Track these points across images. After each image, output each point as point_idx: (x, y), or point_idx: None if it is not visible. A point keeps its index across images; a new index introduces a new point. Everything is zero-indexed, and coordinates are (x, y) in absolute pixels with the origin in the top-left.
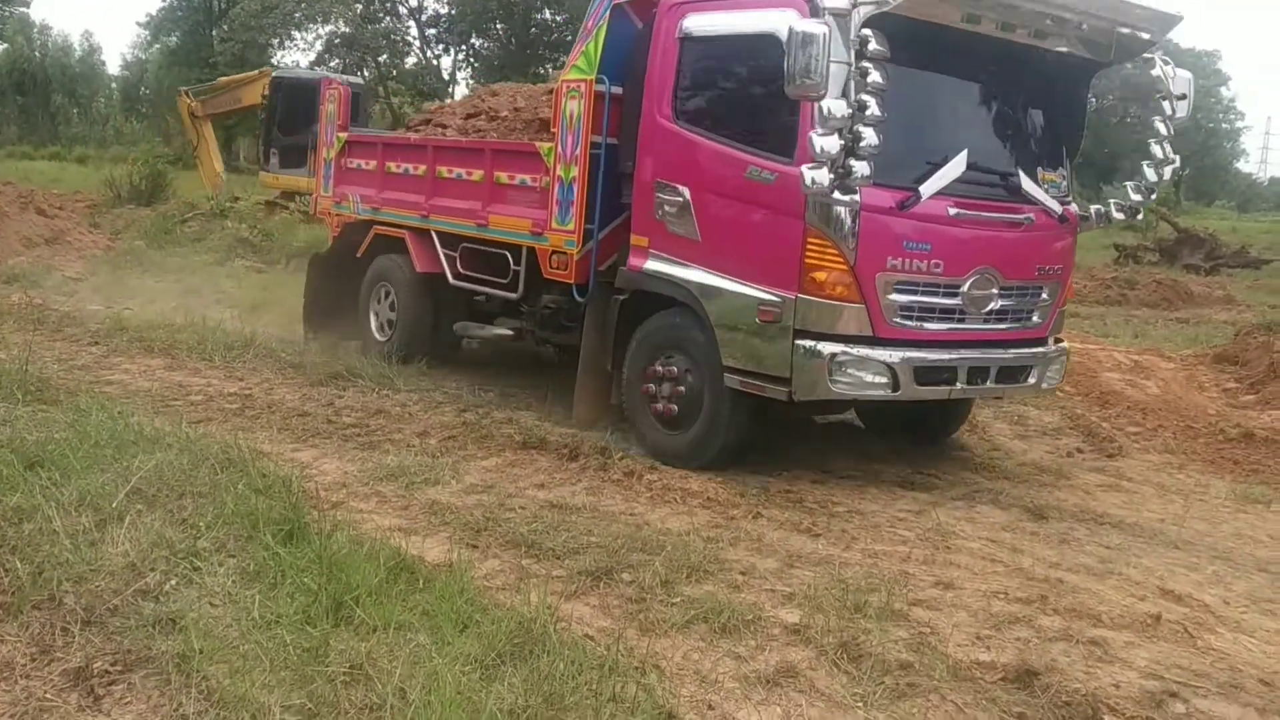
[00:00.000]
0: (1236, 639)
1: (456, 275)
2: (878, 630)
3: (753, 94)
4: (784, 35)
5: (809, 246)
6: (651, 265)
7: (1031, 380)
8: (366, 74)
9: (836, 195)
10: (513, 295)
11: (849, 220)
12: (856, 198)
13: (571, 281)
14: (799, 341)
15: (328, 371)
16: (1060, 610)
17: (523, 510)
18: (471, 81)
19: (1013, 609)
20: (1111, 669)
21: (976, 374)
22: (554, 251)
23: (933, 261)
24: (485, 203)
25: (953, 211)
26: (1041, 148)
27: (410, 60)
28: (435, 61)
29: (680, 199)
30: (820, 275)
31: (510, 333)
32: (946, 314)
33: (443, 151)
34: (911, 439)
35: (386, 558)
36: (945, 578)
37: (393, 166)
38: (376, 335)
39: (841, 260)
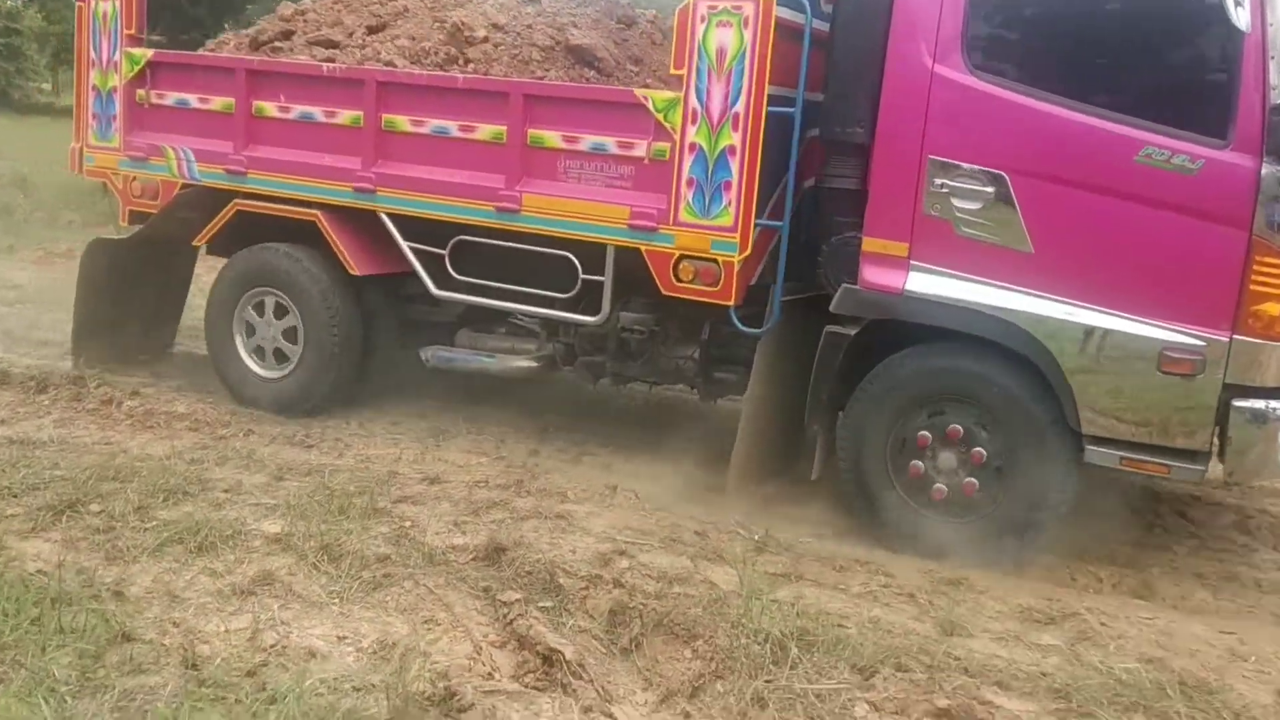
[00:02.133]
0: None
1: (446, 285)
2: (359, 530)
3: (1144, 41)
4: None
5: (1258, 267)
6: (921, 285)
7: None
8: None
9: None
10: (590, 319)
11: None
12: None
13: (730, 303)
14: (1239, 402)
15: None
16: (534, 492)
17: None
18: None
19: (492, 495)
20: (573, 538)
21: None
22: (685, 256)
23: None
24: (512, 176)
25: None
26: None
27: None
28: None
29: (987, 190)
30: (1273, 307)
31: (533, 364)
32: None
33: (401, 90)
34: None
35: None
36: (433, 473)
37: (270, 108)
38: (256, 368)
39: None
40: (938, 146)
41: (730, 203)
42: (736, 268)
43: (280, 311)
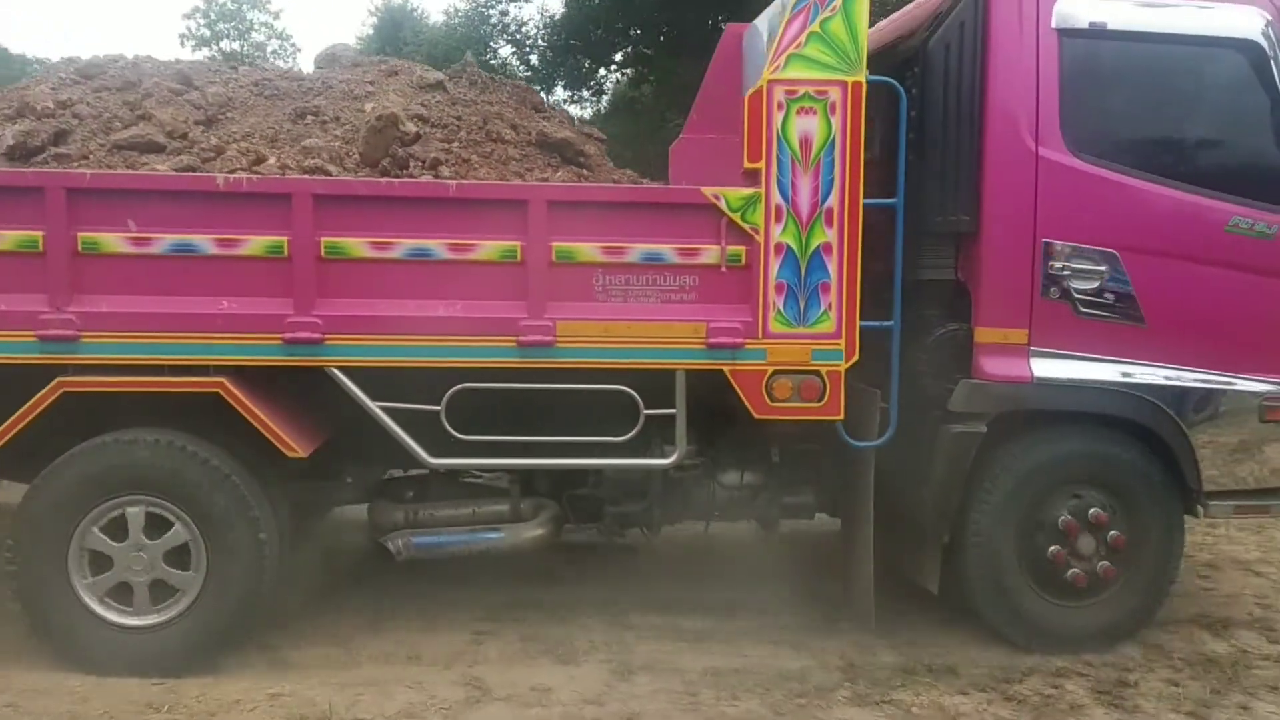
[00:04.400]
0: None
1: (445, 450)
2: None
3: (1220, 120)
4: (1265, 42)
5: None
6: (1048, 370)
7: None
8: None
9: None
10: (661, 461)
11: None
12: None
13: (838, 418)
14: None
15: None
16: None
17: None
18: None
19: None
20: None
21: None
22: (780, 371)
23: None
24: (537, 301)
25: None
26: None
27: None
28: None
29: (1101, 268)
30: None
31: (543, 530)
32: None
33: (351, 205)
34: None
35: None
36: None
37: (112, 241)
38: (114, 616)
39: None
40: (1051, 229)
41: (831, 306)
42: (843, 377)
43: (157, 526)
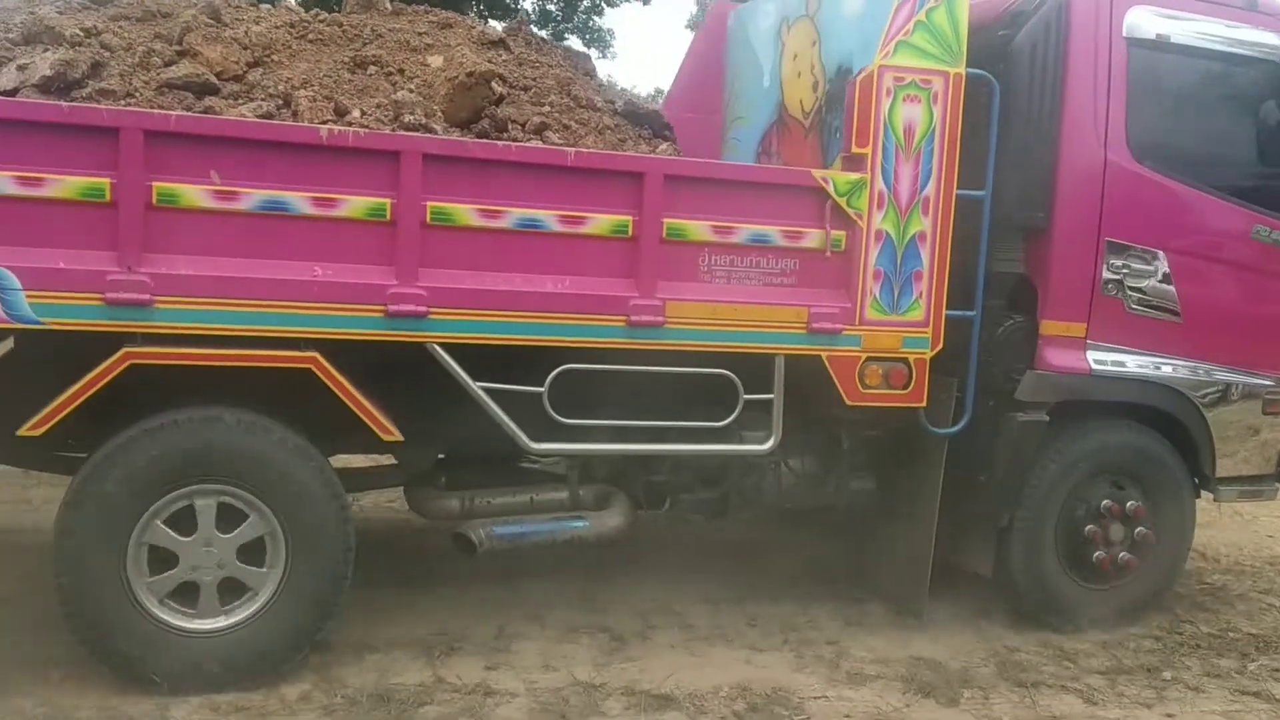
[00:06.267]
0: None
1: (547, 434)
2: None
3: (1249, 132)
4: None
5: None
6: (1103, 362)
7: None
8: None
9: None
10: (758, 448)
11: None
12: None
13: (921, 405)
14: None
15: None
16: None
17: None
18: None
19: None
20: None
21: None
22: (872, 358)
23: None
24: (646, 280)
25: None
26: None
27: None
28: None
29: (1153, 268)
30: None
31: (624, 519)
32: None
33: (463, 168)
34: None
35: None
36: None
37: (193, 194)
38: (180, 621)
39: None
40: (1114, 229)
41: (921, 295)
42: (928, 365)
43: (230, 517)
